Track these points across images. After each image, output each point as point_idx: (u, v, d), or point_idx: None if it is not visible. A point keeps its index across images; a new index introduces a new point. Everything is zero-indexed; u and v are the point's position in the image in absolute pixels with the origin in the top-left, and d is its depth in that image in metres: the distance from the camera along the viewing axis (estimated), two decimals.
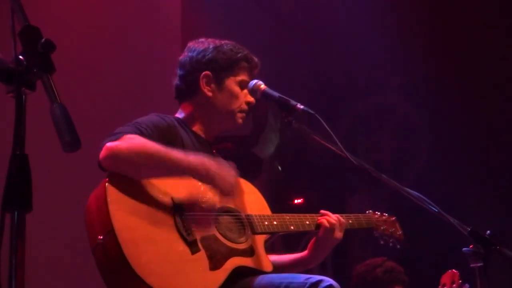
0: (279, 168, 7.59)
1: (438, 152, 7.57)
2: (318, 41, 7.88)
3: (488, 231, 2.96)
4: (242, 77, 3.36)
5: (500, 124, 7.39)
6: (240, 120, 3.38)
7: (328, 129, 3.03)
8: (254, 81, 3.33)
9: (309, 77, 8.04)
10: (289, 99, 3.20)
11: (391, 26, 7.07)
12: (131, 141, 2.90)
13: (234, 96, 3.34)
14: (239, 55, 3.36)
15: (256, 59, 3.42)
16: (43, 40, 1.95)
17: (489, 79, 7.41)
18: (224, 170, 3.05)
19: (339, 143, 3.06)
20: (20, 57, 1.94)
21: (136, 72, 5.47)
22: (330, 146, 3.11)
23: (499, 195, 7.18)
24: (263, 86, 3.30)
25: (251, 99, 3.37)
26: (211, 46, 3.36)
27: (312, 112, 3.10)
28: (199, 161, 3.00)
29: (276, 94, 3.25)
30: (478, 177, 7.23)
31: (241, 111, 3.37)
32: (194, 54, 3.36)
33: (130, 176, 2.92)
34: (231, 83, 3.35)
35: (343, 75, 7.68)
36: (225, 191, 3.08)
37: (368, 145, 8.05)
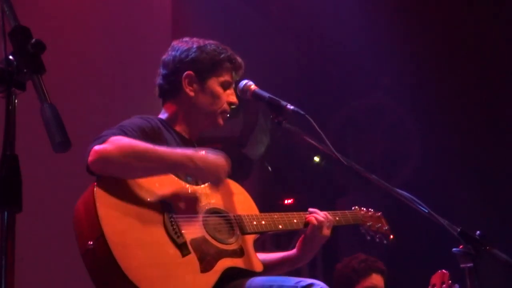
0: (269, 168, 7.59)
1: (429, 153, 7.59)
2: (308, 41, 7.89)
3: (478, 232, 2.97)
4: (225, 77, 3.34)
5: (492, 125, 7.42)
6: (221, 121, 3.37)
7: (318, 129, 3.03)
8: (244, 81, 3.33)
9: (299, 77, 8.05)
10: (279, 100, 3.21)
11: (382, 26, 7.09)
12: (118, 142, 2.89)
13: (216, 97, 3.32)
14: (222, 55, 3.34)
15: (239, 60, 3.39)
16: (33, 40, 1.94)
17: (482, 80, 7.43)
18: (212, 160, 3.06)
19: (329, 144, 3.07)
20: (11, 57, 1.93)
21: (126, 72, 5.47)
22: (320, 146, 3.11)
23: (489, 196, 7.21)
24: (253, 86, 3.31)
25: (233, 99, 3.36)
26: (194, 46, 3.34)
27: (302, 112, 3.10)
28: (187, 156, 3.01)
29: (266, 94, 3.26)
30: (468, 178, 7.25)
31: (223, 111, 3.35)
32: (178, 53, 3.34)
33: (121, 177, 2.91)
34: (214, 83, 3.32)
35: (333, 75, 7.70)
36: (216, 182, 3.10)
37: (359, 146, 8.07)
